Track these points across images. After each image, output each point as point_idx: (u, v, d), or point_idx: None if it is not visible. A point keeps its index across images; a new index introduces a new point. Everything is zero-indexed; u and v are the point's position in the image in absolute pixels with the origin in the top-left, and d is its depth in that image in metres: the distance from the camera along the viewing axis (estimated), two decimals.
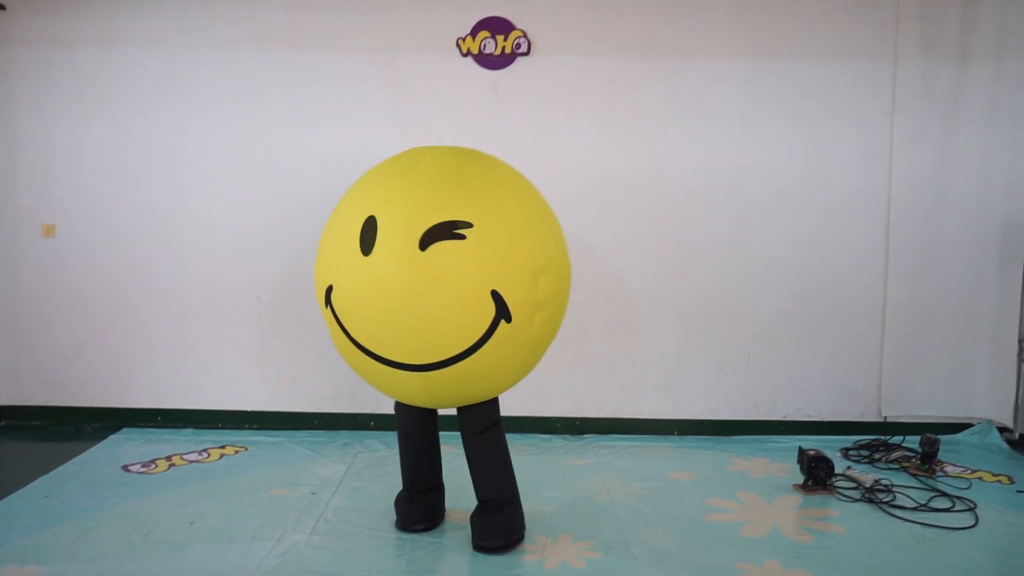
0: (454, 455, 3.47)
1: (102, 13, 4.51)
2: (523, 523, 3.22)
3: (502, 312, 2.81)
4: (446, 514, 3.41)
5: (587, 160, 4.56)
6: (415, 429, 3.22)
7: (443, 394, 2.99)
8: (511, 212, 2.93)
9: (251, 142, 4.56)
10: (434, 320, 2.77)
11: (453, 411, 3.17)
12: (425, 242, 2.74)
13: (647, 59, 4.51)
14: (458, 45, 4.48)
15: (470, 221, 2.77)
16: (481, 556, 3.06)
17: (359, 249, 2.81)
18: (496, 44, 4.47)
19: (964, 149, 4.53)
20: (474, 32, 4.47)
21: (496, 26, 4.46)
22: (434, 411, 3.25)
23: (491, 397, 3.14)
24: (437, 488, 3.36)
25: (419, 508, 3.28)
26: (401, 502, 3.31)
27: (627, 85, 4.53)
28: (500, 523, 3.13)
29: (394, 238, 2.76)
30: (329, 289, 2.93)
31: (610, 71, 4.52)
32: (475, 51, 4.48)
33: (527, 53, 4.49)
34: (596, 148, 4.55)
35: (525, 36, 4.47)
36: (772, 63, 4.52)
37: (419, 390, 2.96)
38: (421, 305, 2.75)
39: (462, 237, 2.76)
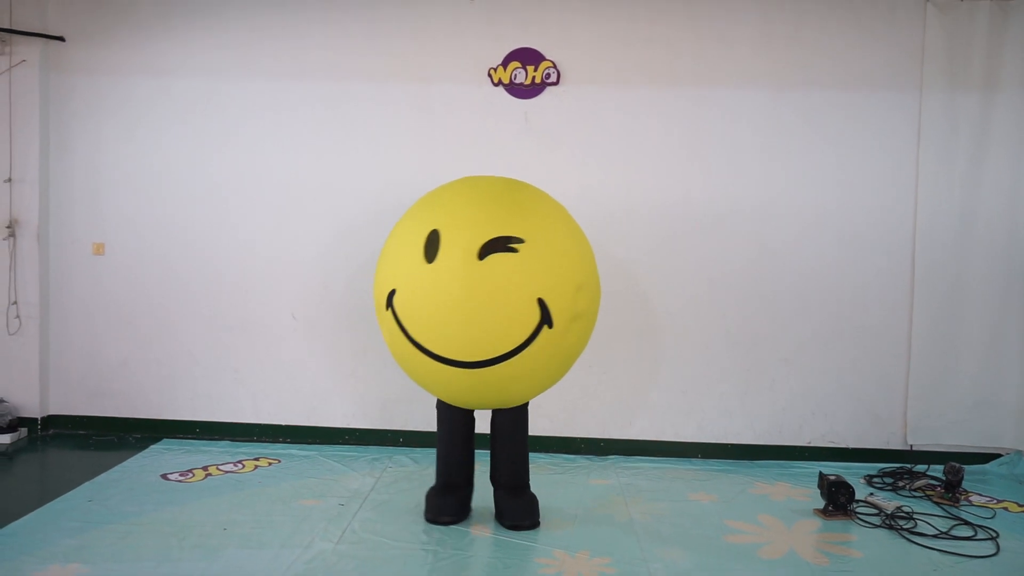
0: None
1: (153, 45, 4.77)
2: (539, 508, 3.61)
3: (546, 318, 3.18)
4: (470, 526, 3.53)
5: (614, 187, 4.67)
6: (458, 427, 3.59)
7: (487, 392, 3.35)
8: (556, 232, 3.35)
9: (288, 168, 4.76)
10: (486, 322, 3.14)
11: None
12: (483, 253, 3.13)
13: (674, 89, 4.62)
14: (489, 75, 4.64)
15: (522, 237, 3.17)
16: (501, 567, 3.15)
17: (423, 257, 3.18)
18: (527, 74, 4.62)
19: (990, 179, 4.56)
20: (505, 62, 4.63)
21: (527, 57, 4.62)
22: (472, 414, 3.62)
23: (526, 400, 3.52)
24: (468, 485, 3.68)
25: (449, 502, 3.58)
26: (432, 496, 3.62)
27: (654, 114, 4.64)
28: (528, 503, 3.57)
29: (456, 248, 3.15)
30: (392, 293, 3.27)
31: (637, 101, 4.64)
32: (506, 81, 4.63)
33: (556, 83, 4.63)
34: (623, 175, 4.66)
35: (555, 66, 4.62)
36: (798, 93, 4.60)
37: (465, 388, 3.31)
38: (476, 308, 3.13)
39: (515, 251, 3.15)
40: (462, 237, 3.16)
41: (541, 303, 3.16)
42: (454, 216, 3.27)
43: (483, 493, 3.71)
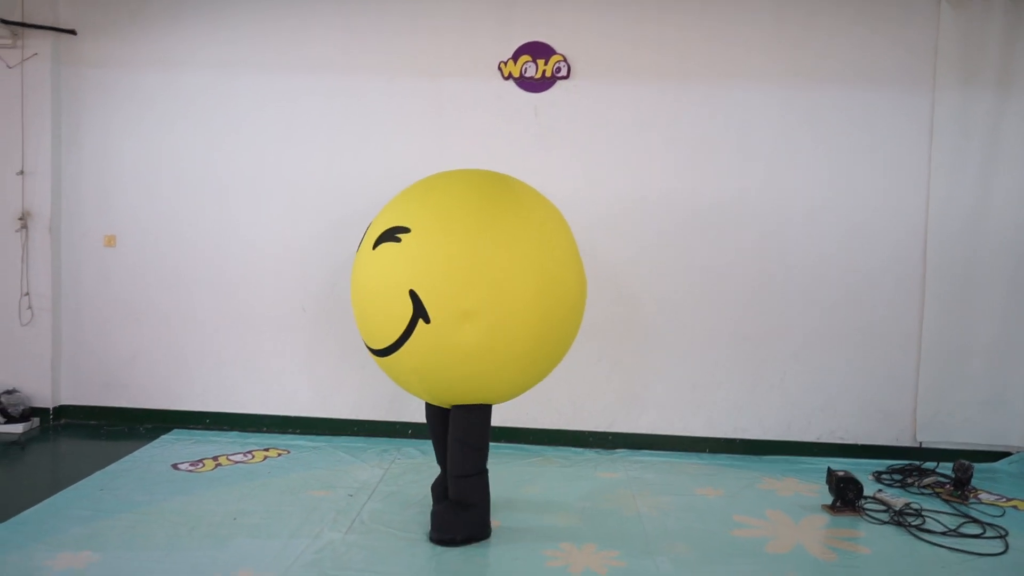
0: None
1: (164, 39, 4.79)
2: (487, 524, 3.40)
3: (419, 312, 3.07)
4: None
5: (624, 181, 4.66)
6: (431, 420, 3.57)
7: (432, 385, 3.28)
8: (462, 222, 3.18)
9: (297, 161, 4.77)
10: (373, 310, 3.24)
11: None
12: (377, 242, 3.21)
13: (684, 84, 4.62)
14: (500, 69, 4.64)
15: (408, 226, 3.15)
16: (508, 559, 3.17)
17: (370, 241, 3.30)
18: (537, 68, 4.61)
19: (1003, 177, 4.53)
20: (515, 56, 4.63)
21: (537, 51, 4.61)
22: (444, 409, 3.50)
23: (477, 400, 3.32)
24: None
25: (440, 492, 3.51)
26: (437, 484, 3.57)
27: (664, 109, 4.64)
28: (466, 520, 3.32)
29: (370, 238, 3.29)
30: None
31: (648, 95, 4.63)
32: (516, 75, 4.63)
33: (567, 77, 4.62)
34: (633, 170, 4.65)
35: (565, 60, 4.61)
36: (809, 89, 4.58)
37: (411, 374, 3.28)
38: (363, 295, 3.31)
39: (398, 240, 3.15)
40: (378, 226, 3.27)
41: (412, 295, 3.06)
42: (401, 209, 3.32)
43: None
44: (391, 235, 3.14)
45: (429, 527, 3.37)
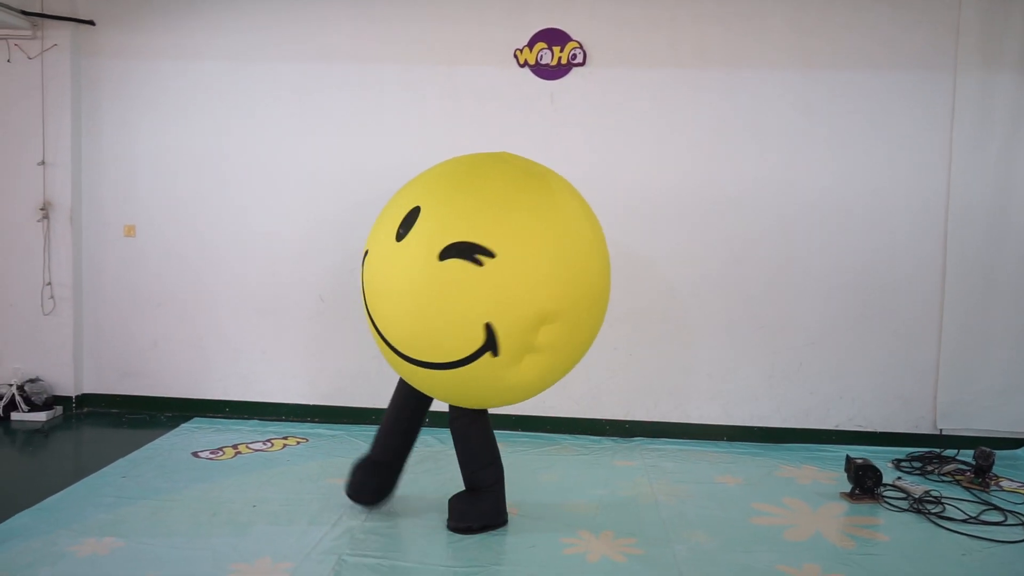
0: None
1: (181, 28, 4.81)
2: (503, 512, 3.36)
3: (490, 345, 2.89)
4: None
5: (640, 169, 4.64)
6: (404, 408, 3.46)
7: (426, 385, 3.19)
8: (543, 255, 2.92)
9: (315, 149, 4.79)
10: (426, 324, 2.95)
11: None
12: (444, 254, 2.86)
13: (701, 70, 4.58)
14: (515, 56, 4.62)
15: (493, 251, 2.84)
16: (526, 547, 3.18)
17: (396, 230, 3.03)
18: (552, 55, 4.59)
19: None
20: (531, 43, 4.61)
21: (553, 38, 4.59)
22: (428, 399, 3.45)
23: (478, 407, 3.33)
24: (396, 469, 3.50)
25: (371, 480, 3.44)
26: (357, 470, 3.47)
27: (681, 95, 4.60)
28: (469, 506, 3.31)
29: (422, 240, 2.92)
30: (366, 253, 3.20)
31: (664, 82, 4.60)
32: (532, 62, 4.61)
33: (583, 64, 4.60)
34: (649, 157, 4.63)
35: (581, 47, 4.59)
36: (828, 74, 4.54)
37: (407, 371, 3.17)
38: (418, 304, 2.95)
39: (480, 263, 2.83)
40: (436, 226, 2.88)
41: (488, 329, 2.86)
42: (440, 198, 2.98)
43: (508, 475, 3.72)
44: (470, 254, 2.81)
45: (447, 515, 3.38)
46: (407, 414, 3.47)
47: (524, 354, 2.98)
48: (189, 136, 4.86)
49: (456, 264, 2.82)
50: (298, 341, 4.88)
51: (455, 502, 3.35)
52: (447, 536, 3.26)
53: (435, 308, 2.87)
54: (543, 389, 3.25)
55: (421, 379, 3.17)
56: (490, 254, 2.82)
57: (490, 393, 3.15)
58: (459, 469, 3.42)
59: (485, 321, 2.85)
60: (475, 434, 3.35)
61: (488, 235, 2.85)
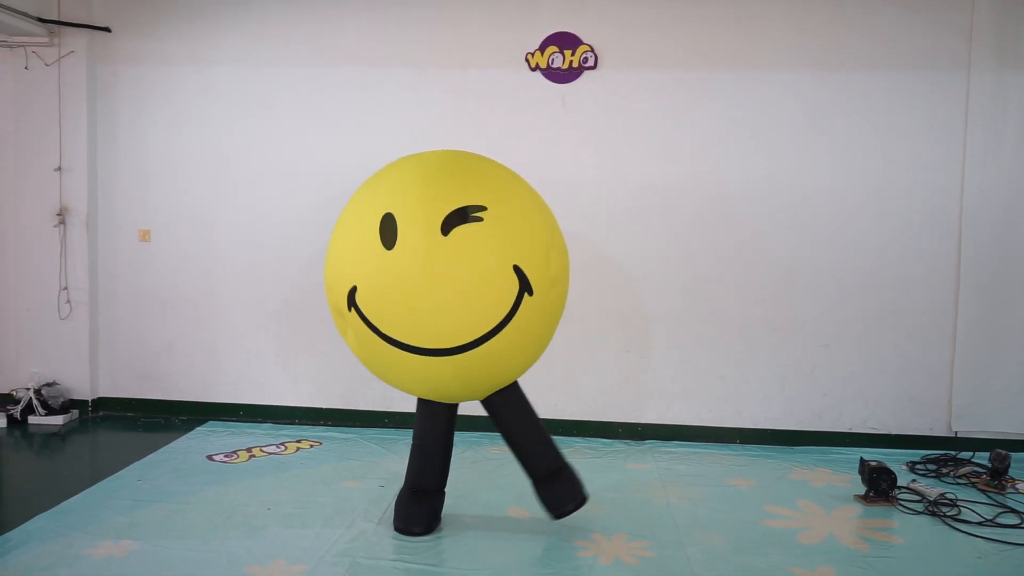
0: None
1: (196, 35, 4.85)
2: (581, 481, 3.38)
3: (525, 286, 2.96)
4: (506, 511, 3.56)
5: (651, 171, 4.64)
6: (435, 430, 3.34)
7: (474, 378, 3.11)
8: (516, 195, 3.12)
9: (328, 153, 4.81)
10: (464, 301, 2.91)
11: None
12: (446, 227, 2.88)
13: (712, 72, 4.58)
14: (527, 60, 4.63)
15: (484, 204, 2.94)
16: (540, 548, 3.19)
17: (380, 245, 2.91)
18: (564, 58, 4.60)
19: None
20: (543, 47, 4.62)
21: (564, 41, 4.60)
22: (455, 412, 3.38)
23: (513, 379, 3.30)
24: (440, 492, 3.44)
25: (422, 510, 3.33)
26: (403, 502, 3.37)
27: (692, 97, 4.60)
28: (567, 484, 3.31)
29: (416, 227, 2.89)
30: (353, 291, 2.99)
31: (675, 84, 4.60)
32: (543, 65, 4.62)
33: (594, 67, 4.61)
34: (660, 159, 4.63)
35: (592, 51, 4.60)
36: (839, 74, 4.53)
37: (450, 379, 3.07)
38: (451, 288, 2.89)
39: (480, 219, 2.91)
40: (420, 215, 2.90)
41: (517, 270, 2.95)
42: (404, 196, 2.98)
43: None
44: (468, 216, 2.90)
45: (545, 508, 3.33)
46: (440, 433, 3.36)
47: (550, 286, 3.08)
48: (203, 141, 4.90)
49: (461, 230, 2.89)
50: (311, 344, 4.91)
51: (546, 491, 3.31)
52: (460, 539, 3.27)
53: (466, 280, 2.90)
54: (558, 321, 3.31)
55: (466, 374, 3.07)
56: (483, 207, 2.93)
57: (533, 343, 3.16)
58: (519, 460, 3.37)
59: (512, 264, 2.94)
60: (526, 409, 3.35)
61: (471, 197, 2.95)
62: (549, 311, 3.13)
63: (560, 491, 3.31)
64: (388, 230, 2.91)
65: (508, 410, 3.33)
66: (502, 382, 3.25)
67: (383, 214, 2.94)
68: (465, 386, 3.16)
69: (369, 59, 4.75)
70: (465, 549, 3.18)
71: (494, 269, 2.92)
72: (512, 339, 3.00)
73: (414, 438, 3.41)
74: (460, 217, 2.90)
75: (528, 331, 3.06)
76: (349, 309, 3.03)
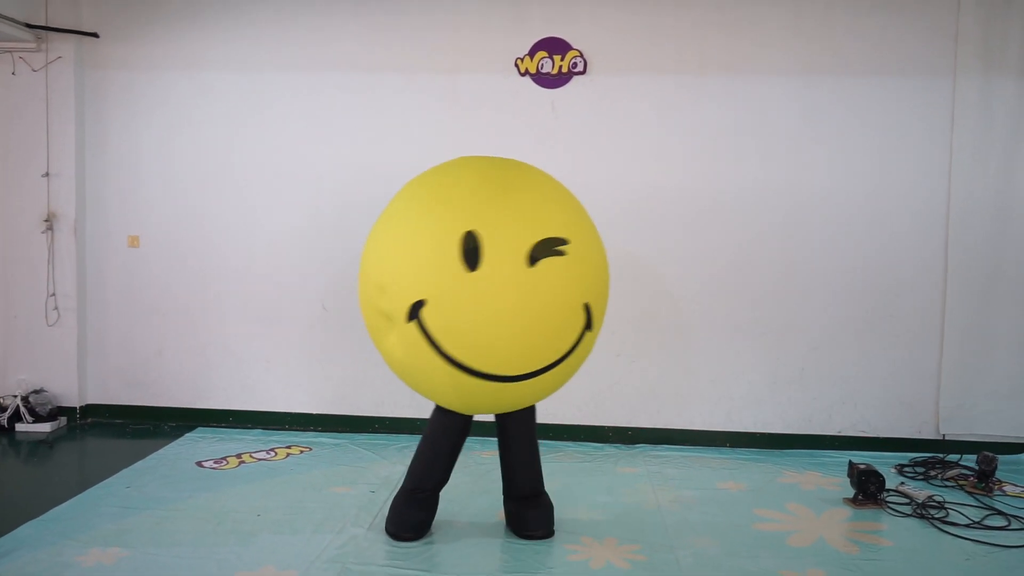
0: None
1: (185, 40, 4.84)
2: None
3: (588, 323, 3.07)
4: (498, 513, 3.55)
5: (641, 176, 4.66)
6: (450, 432, 3.32)
7: (512, 399, 3.16)
8: (590, 229, 3.19)
9: (318, 158, 4.81)
10: (538, 333, 2.95)
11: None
12: (534, 258, 2.89)
13: (702, 77, 4.60)
14: (516, 65, 4.64)
15: (566, 238, 2.97)
16: (530, 553, 3.19)
17: (461, 264, 2.84)
18: (553, 64, 4.62)
19: None
20: (532, 52, 4.63)
21: (553, 46, 4.62)
22: (472, 419, 3.37)
23: (539, 400, 3.33)
24: (435, 496, 3.40)
25: (416, 516, 3.33)
26: (398, 506, 3.36)
27: (682, 103, 4.63)
28: (544, 511, 3.37)
29: (505, 254, 2.87)
30: (418, 304, 2.88)
31: (665, 89, 4.62)
32: (533, 70, 4.64)
33: (583, 72, 4.62)
34: (650, 164, 4.65)
35: (581, 56, 4.61)
36: (828, 80, 4.56)
37: (492, 399, 3.11)
38: (529, 319, 2.90)
39: (563, 254, 2.95)
40: (507, 241, 2.88)
41: (587, 308, 3.04)
42: (487, 214, 2.91)
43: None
44: (553, 248, 2.91)
45: (517, 526, 3.37)
46: (454, 439, 3.33)
47: (599, 322, 3.18)
48: (192, 146, 4.88)
49: (545, 262, 2.91)
50: (301, 350, 4.90)
51: (523, 511, 3.35)
52: (450, 544, 3.27)
53: (544, 313, 2.93)
54: None
55: (503, 398, 3.11)
56: (565, 241, 2.96)
57: (572, 373, 3.23)
58: (506, 473, 3.40)
59: (584, 303, 3.02)
60: (533, 429, 3.40)
61: (554, 226, 2.98)
62: (591, 344, 3.23)
63: (535, 515, 3.36)
64: (471, 251, 2.86)
65: (518, 425, 3.36)
66: (530, 403, 3.32)
67: (464, 232, 2.87)
68: (500, 405, 3.22)
69: (360, 64, 4.75)
70: (456, 554, 3.18)
71: (570, 305, 2.99)
72: (561, 369, 3.09)
73: (424, 438, 3.39)
74: (546, 249, 2.91)
75: (576, 363, 3.18)
76: (408, 321, 2.93)
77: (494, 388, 3.00)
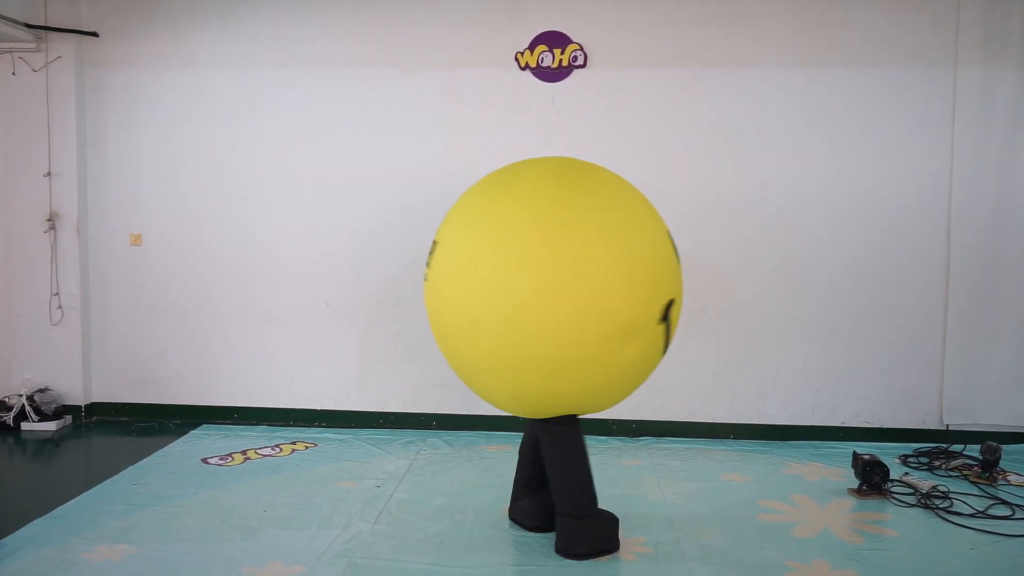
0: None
1: (184, 38, 4.84)
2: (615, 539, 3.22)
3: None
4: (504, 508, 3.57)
5: (642, 169, 4.60)
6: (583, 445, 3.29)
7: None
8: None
9: (318, 155, 4.82)
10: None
11: None
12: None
13: (702, 70, 4.60)
14: (516, 59, 4.64)
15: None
16: (535, 545, 3.20)
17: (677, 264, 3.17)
18: (553, 57, 4.61)
19: None
20: (532, 46, 4.63)
21: (553, 40, 4.61)
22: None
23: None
24: (532, 490, 3.39)
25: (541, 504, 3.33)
26: (522, 503, 3.39)
27: (682, 96, 4.62)
28: (591, 530, 3.18)
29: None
30: (670, 304, 3.04)
31: (665, 82, 4.62)
32: (533, 64, 4.63)
33: (583, 66, 4.62)
34: (652, 157, 4.64)
35: (581, 49, 4.61)
36: (828, 72, 4.55)
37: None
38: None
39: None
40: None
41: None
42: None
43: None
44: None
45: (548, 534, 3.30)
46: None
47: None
48: (193, 144, 4.89)
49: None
50: (304, 346, 4.90)
51: (569, 528, 3.15)
52: (456, 538, 3.28)
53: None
54: None
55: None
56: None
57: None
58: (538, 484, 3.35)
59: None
60: (580, 444, 3.24)
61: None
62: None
63: (586, 531, 3.16)
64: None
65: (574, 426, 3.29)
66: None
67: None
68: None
69: (359, 60, 4.75)
70: (460, 547, 3.19)
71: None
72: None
73: (563, 462, 3.23)
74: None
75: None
76: (662, 321, 3.04)
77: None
